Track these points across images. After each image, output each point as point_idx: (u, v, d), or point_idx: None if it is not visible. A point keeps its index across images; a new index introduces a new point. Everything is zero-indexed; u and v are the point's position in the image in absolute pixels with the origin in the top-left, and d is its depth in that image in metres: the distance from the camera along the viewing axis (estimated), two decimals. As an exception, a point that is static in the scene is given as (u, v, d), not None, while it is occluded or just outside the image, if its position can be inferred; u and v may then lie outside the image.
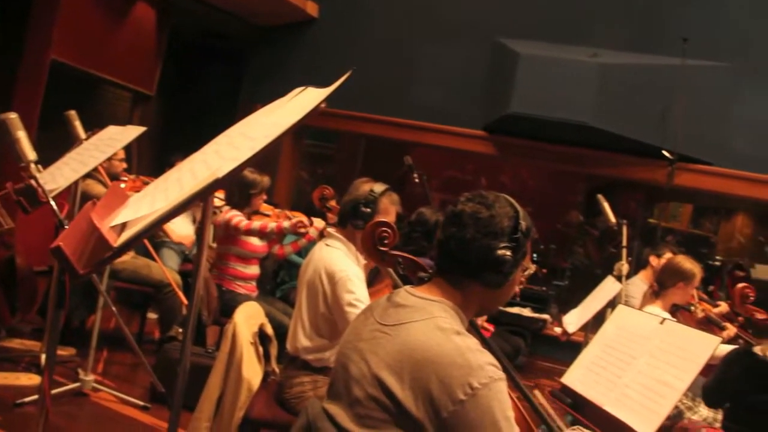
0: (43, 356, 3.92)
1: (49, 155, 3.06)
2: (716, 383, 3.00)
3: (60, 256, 1.38)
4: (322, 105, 1.57)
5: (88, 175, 3.74)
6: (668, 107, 5.69)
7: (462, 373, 1.38)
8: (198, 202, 1.48)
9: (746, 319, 4.12)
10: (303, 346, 2.76)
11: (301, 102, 1.67)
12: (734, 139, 5.92)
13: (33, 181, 2.54)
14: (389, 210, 2.80)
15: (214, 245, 4.57)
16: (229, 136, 1.67)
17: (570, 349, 3.96)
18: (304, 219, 4.18)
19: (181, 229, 5.43)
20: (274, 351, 3.11)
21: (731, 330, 3.85)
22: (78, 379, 3.86)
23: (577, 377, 2.18)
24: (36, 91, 5.67)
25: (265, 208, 4.52)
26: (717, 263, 6.67)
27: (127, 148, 4.13)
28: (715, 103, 5.92)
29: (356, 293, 2.63)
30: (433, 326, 1.46)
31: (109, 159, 3.89)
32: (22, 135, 2.55)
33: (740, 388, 2.89)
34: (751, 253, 7.55)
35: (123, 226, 1.47)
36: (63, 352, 4.26)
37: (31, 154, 2.56)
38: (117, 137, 3.15)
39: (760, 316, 4.04)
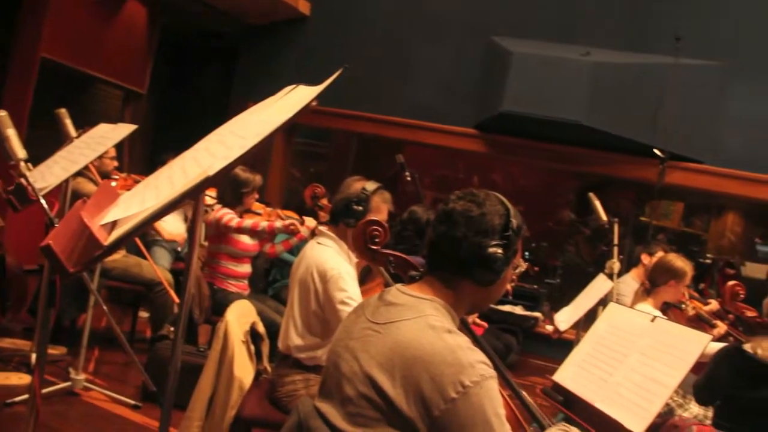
0: (34, 355, 3.90)
1: (39, 153, 3.05)
2: (707, 381, 3.02)
3: (50, 254, 1.37)
4: (313, 103, 1.56)
5: (78, 174, 3.72)
6: (660, 106, 5.71)
7: (453, 372, 1.38)
8: (189, 200, 1.47)
9: (736, 316, 4.13)
10: (295, 345, 2.75)
11: (292, 100, 1.67)
12: (725, 138, 5.95)
13: (23, 180, 2.52)
14: (381, 208, 2.80)
15: (206, 244, 4.56)
16: (220, 134, 1.66)
17: (561, 347, 3.96)
18: (296, 220, 4.18)
19: (173, 227, 5.42)
20: (265, 349, 3.10)
21: (722, 328, 3.87)
22: (69, 378, 3.84)
23: (568, 375, 2.19)
24: (26, 88, 5.65)
25: (257, 206, 4.51)
26: (708, 261, 6.71)
27: (119, 147, 4.11)
28: (706, 102, 5.95)
29: (348, 291, 2.63)
30: (424, 324, 1.47)
31: (101, 157, 3.87)
32: (11, 133, 2.53)
33: (731, 385, 2.90)
34: (741, 251, 7.59)
35: (113, 225, 1.47)
36: (54, 351, 4.24)
37: (20, 153, 2.55)
38: (108, 135, 3.13)
39: (750, 313, 4.06)
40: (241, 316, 2.96)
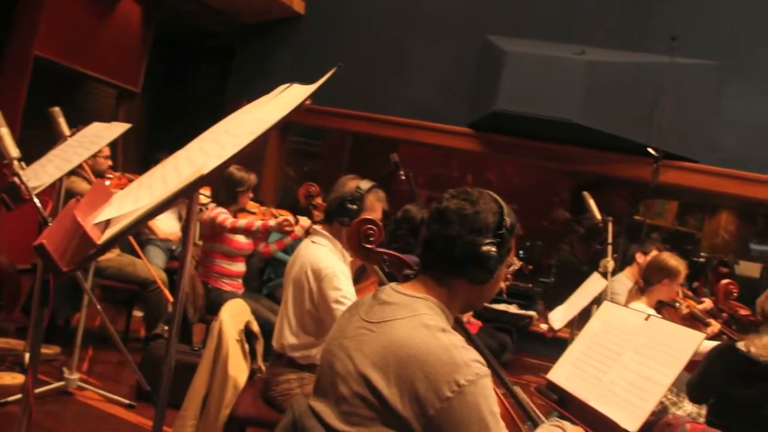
0: (27, 355, 3.89)
1: (32, 152, 3.04)
2: (700, 379, 3.03)
3: (43, 253, 1.36)
4: (308, 102, 1.56)
5: (72, 172, 3.71)
6: (655, 105, 5.72)
7: (448, 371, 1.38)
8: (183, 199, 1.47)
9: (730, 315, 4.15)
10: (289, 344, 2.75)
11: (286, 99, 1.67)
12: (720, 137, 5.97)
13: (16, 178, 2.52)
14: (375, 207, 2.80)
15: (200, 242, 4.55)
16: (214, 133, 1.66)
17: (556, 345, 3.98)
18: (290, 218, 4.17)
19: (167, 226, 5.40)
20: (260, 348, 3.10)
21: (715, 326, 3.88)
22: (63, 377, 3.83)
23: (562, 373, 2.19)
24: (19, 87, 5.63)
25: (251, 205, 4.51)
26: (702, 260, 6.73)
27: (113, 145, 4.10)
28: (701, 101, 5.96)
29: (343, 290, 2.63)
30: (418, 323, 1.47)
31: (95, 156, 3.87)
32: (5, 131, 2.53)
33: (724, 383, 2.91)
34: (735, 249, 7.62)
35: (107, 224, 1.46)
36: (47, 350, 4.22)
37: (14, 151, 2.54)
38: (102, 134, 3.13)
39: (743, 312, 4.07)
40: (235, 315, 2.96)
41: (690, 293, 4.39)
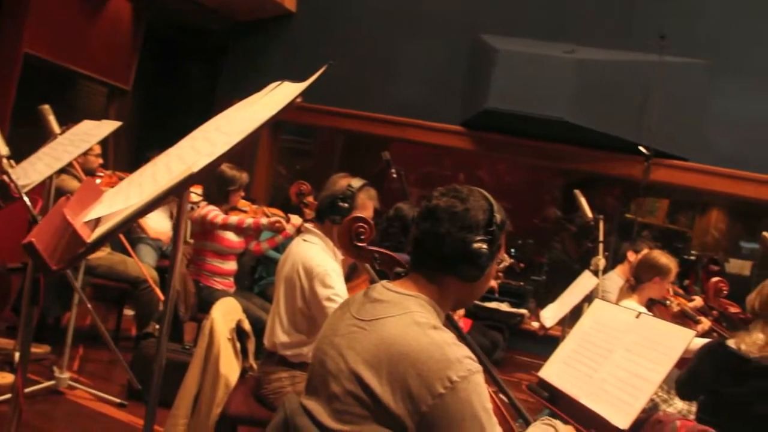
0: (17, 354, 3.87)
1: (22, 150, 3.02)
2: (689, 376, 3.04)
3: (32, 251, 1.36)
4: (298, 100, 1.56)
5: (63, 171, 3.70)
6: (645, 103, 5.74)
7: (440, 367, 1.38)
8: (173, 197, 1.46)
9: (720, 312, 4.17)
10: (281, 342, 2.75)
11: (276, 97, 1.66)
12: (710, 136, 6.00)
13: (5, 177, 2.50)
14: (367, 205, 2.80)
15: (191, 241, 4.53)
16: (204, 131, 1.66)
17: (547, 343, 3.98)
18: (281, 218, 4.16)
19: (158, 224, 5.39)
20: (251, 347, 3.10)
21: (706, 324, 3.90)
22: (53, 377, 3.81)
23: (554, 371, 2.20)
24: (9, 85, 5.60)
25: (243, 204, 4.50)
26: (692, 258, 6.76)
27: (104, 144, 4.08)
28: (691, 100, 5.99)
29: (334, 288, 2.63)
30: (409, 321, 1.47)
31: (85, 154, 3.85)
32: (-6, 129, 2.51)
33: (714, 380, 2.92)
34: (725, 247, 7.65)
35: (97, 222, 1.46)
36: (38, 349, 4.20)
37: (3, 149, 2.53)
38: (92, 132, 3.11)
39: (733, 309, 4.09)
40: (226, 314, 2.96)
41: (681, 291, 4.41)
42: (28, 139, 3.50)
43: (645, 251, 4.25)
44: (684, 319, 3.89)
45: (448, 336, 1.45)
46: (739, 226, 7.70)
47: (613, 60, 5.93)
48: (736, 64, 5.95)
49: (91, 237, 1.38)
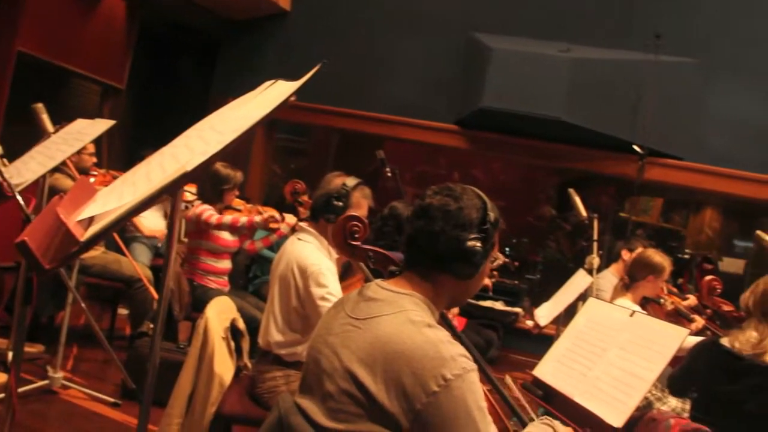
0: (11, 354, 3.85)
1: (15, 149, 3.01)
2: (682, 373, 3.05)
3: (25, 250, 1.35)
4: (292, 98, 1.56)
5: (56, 169, 3.68)
6: (639, 102, 5.76)
7: (435, 365, 1.38)
8: (167, 196, 1.46)
9: (714, 311, 4.18)
10: (275, 341, 2.75)
11: (270, 95, 1.66)
12: (704, 135, 6.01)
13: (-1, 175, 2.49)
14: (361, 204, 2.80)
15: (185, 240, 4.53)
16: (198, 130, 1.65)
17: (542, 342, 3.99)
18: (276, 215, 4.16)
19: (153, 223, 5.38)
20: (246, 346, 3.09)
21: (699, 322, 3.91)
22: (47, 376, 3.80)
23: (548, 370, 2.20)
24: (2, 83, 5.57)
25: (237, 203, 4.49)
26: (686, 256, 6.76)
27: (98, 142, 4.07)
28: (685, 99, 6.00)
29: (329, 287, 2.63)
30: (404, 319, 1.47)
31: (79, 153, 3.83)
32: (-13, 128, 2.50)
33: (707, 378, 2.93)
34: (719, 246, 7.67)
35: (90, 221, 1.45)
36: (31, 349, 4.18)
37: (-4, 148, 2.51)
38: (86, 131, 3.10)
39: (726, 308, 4.10)
40: (221, 313, 2.95)
41: (675, 290, 4.42)
42: (22, 138, 3.49)
43: (639, 250, 4.26)
44: (678, 317, 3.90)
45: (443, 334, 1.46)
46: (733, 225, 7.72)
47: (608, 59, 5.94)
48: (730, 64, 5.97)
49: (84, 236, 1.37)
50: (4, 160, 2.57)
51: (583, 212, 4.74)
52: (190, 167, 1.36)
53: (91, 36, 6.56)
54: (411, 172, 8.46)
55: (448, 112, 6.57)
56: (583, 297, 4.21)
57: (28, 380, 3.76)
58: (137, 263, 4.57)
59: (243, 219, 4.05)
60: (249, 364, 3.06)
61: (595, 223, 4.63)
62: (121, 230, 5.18)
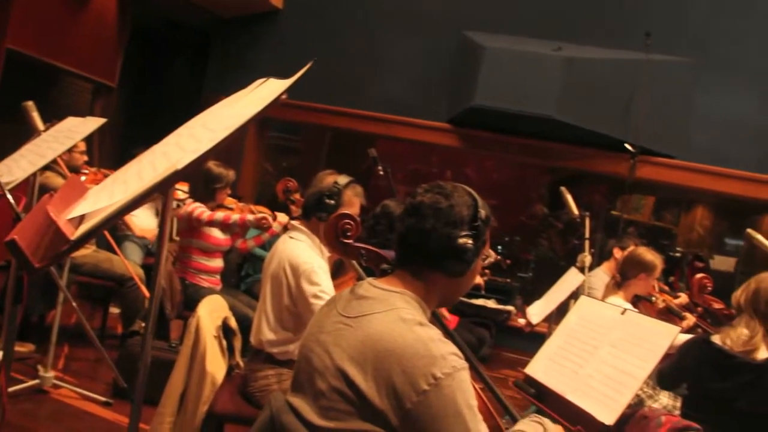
0: (0, 353, 3.84)
1: (5, 147, 3.00)
2: (672, 370, 3.07)
3: (15, 249, 1.34)
4: (283, 96, 1.56)
5: (47, 168, 3.66)
6: (631, 101, 5.77)
7: (425, 364, 1.38)
8: (158, 194, 1.46)
9: (705, 309, 4.19)
10: (267, 339, 2.74)
11: (262, 93, 1.66)
12: (695, 134, 6.03)
13: (-12, 174, 2.48)
14: (353, 202, 2.80)
15: (177, 239, 4.52)
16: (190, 128, 1.65)
17: (534, 340, 4.00)
18: (268, 215, 4.16)
19: (144, 222, 5.36)
20: (238, 344, 3.09)
21: (690, 320, 3.92)
22: (38, 375, 3.79)
23: (540, 368, 2.20)
24: (-8, 81, 5.53)
25: (229, 201, 4.49)
26: (677, 255, 6.80)
27: (89, 141, 4.05)
28: (677, 98, 6.02)
29: (321, 285, 2.63)
30: (395, 317, 1.47)
31: (70, 151, 3.82)
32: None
33: (698, 376, 2.95)
34: (710, 244, 7.70)
35: (81, 219, 1.45)
36: (22, 348, 4.16)
37: (-14, 146, 2.50)
38: (76, 129, 3.08)
39: (717, 305, 4.12)
40: (213, 311, 2.95)
41: (666, 287, 4.44)
42: (12, 136, 3.47)
43: (631, 248, 4.27)
44: (669, 315, 3.91)
45: (434, 332, 1.46)
46: (724, 223, 7.76)
47: (600, 58, 5.95)
48: (721, 63, 5.99)
49: (74, 234, 1.37)
50: (-6, 158, 2.56)
51: (575, 210, 4.76)
52: (181, 165, 1.35)
53: (82, 33, 6.53)
54: (403, 170, 8.45)
55: (440, 110, 6.57)
56: (574, 295, 4.22)
57: (19, 380, 3.75)
58: (129, 262, 4.56)
59: (235, 216, 4.05)
60: (241, 363, 3.05)
61: (587, 222, 4.65)
62: (113, 229, 5.16)
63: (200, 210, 4.08)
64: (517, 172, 8.68)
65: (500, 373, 5.43)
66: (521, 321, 5.03)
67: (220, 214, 4.05)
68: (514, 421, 1.77)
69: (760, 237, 4.05)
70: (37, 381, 3.76)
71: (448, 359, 1.40)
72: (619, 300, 3.56)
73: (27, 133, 3.30)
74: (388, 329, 1.44)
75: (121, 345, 4.37)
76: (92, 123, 3.09)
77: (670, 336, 2.02)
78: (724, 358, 2.83)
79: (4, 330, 3.64)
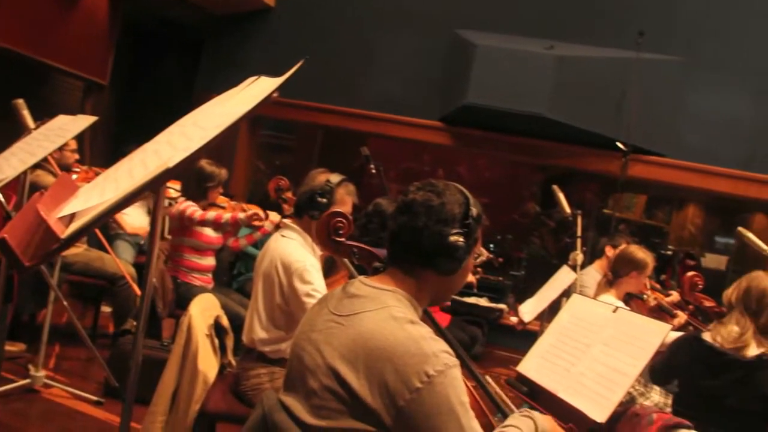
0: (-8, 352, 3.83)
1: (-5, 145, 2.98)
2: (663, 367, 3.08)
3: (5, 248, 1.34)
4: (275, 94, 1.55)
5: (38, 166, 3.65)
6: (623, 100, 5.79)
7: (417, 361, 1.38)
8: (150, 192, 1.45)
9: (696, 307, 4.21)
10: (259, 338, 2.74)
11: (253, 91, 1.65)
12: (686, 132, 6.05)
13: (-22, 172, 2.46)
14: (345, 200, 2.80)
15: (169, 237, 4.50)
16: (181, 126, 1.65)
17: (526, 338, 4.01)
18: (260, 212, 4.15)
19: (136, 221, 5.34)
20: (230, 343, 3.08)
21: (682, 318, 3.93)
22: (28, 375, 3.77)
23: (532, 366, 2.21)
24: (-19, 79, 5.51)
25: (221, 200, 4.47)
26: (669, 253, 6.81)
27: (80, 139, 4.03)
28: (668, 96, 6.04)
29: (313, 284, 2.63)
30: (386, 316, 1.47)
31: (61, 149, 3.81)
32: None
33: (689, 373, 2.96)
34: (701, 242, 7.73)
35: (72, 218, 1.44)
36: (12, 347, 4.15)
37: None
38: (67, 127, 3.07)
39: (708, 303, 4.13)
40: (204, 310, 2.94)
41: (658, 285, 4.45)
42: (2, 135, 3.45)
43: (622, 246, 4.28)
44: (660, 313, 3.93)
45: (425, 330, 1.46)
46: (715, 222, 7.79)
47: (592, 56, 5.96)
48: (712, 62, 6.01)
49: (65, 232, 1.36)
50: (-16, 156, 2.54)
51: (567, 209, 4.77)
52: (172, 163, 1.35)
53: (73, 31, 6.49)
54: (395, 168, 8.45)
55: (432, 108, 6.57)
56: (566, 293, 4.23)
57: (10, 379, 3.73)
58: (120, 260, 4.54)
59: (227, 215, 4.03)
60: (233, 362, 3.05)
61: (579, 220, 4.66)
62: (104, 227, 5.15)
63: (192, 209, 4.06)
64: (509, 171, 8.69)
65: (492, 371, 5.43)
66: (513, 319, 5.05)
67: (212, 214, 4.04)
68: (506, 418, 1.77)
69: (750, 235, 4.07)
70: (28, 380, 3.74)
71: (440, 357, 1.40)
72: (611, 298, 3.57)
73: (17, 132, 3.28)
74: (380, 327, 1.44)
75: (112, 344, 4.36)
76: (83, 121, 3.07)
77: (661, 334, 2.03)
78: (715, 356, 2.85)
79: (-6, 329, 3.63)
